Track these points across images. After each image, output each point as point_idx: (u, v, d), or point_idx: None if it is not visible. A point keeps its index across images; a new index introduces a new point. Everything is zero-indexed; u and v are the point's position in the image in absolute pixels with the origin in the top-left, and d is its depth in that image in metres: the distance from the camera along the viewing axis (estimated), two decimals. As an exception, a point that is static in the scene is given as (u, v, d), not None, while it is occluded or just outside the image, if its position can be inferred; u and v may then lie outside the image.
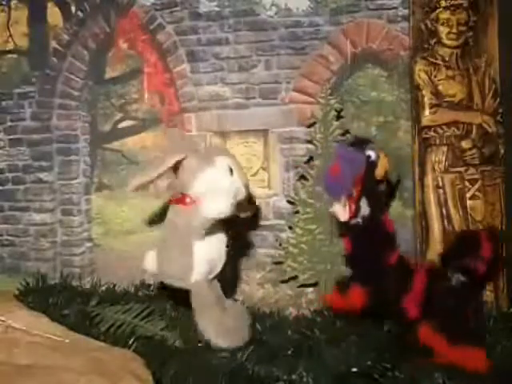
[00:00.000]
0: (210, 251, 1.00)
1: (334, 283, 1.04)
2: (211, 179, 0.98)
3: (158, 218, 1.23)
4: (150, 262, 1.03)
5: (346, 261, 1.08)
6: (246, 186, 1.02)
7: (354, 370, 0.88)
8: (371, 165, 0.95)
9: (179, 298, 1.04)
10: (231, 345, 0.96)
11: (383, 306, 0.96)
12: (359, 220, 0.97)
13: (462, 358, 0.90)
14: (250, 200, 1.09)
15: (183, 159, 0.99)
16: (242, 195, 1.00)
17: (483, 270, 0.94)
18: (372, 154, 0.96)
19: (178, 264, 0.99)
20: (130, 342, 0.97)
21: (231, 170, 0.99)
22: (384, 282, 0.95)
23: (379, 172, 0.96)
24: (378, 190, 0.98)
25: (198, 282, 0.99)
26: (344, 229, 1.07)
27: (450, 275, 0.95)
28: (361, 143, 0.97)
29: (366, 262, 0.97)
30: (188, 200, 0.99)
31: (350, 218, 0.95)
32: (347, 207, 0.94)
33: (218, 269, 1.02)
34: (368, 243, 0.98)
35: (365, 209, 0.96)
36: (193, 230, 0.98)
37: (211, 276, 1.02)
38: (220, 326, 0.97)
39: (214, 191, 0.97)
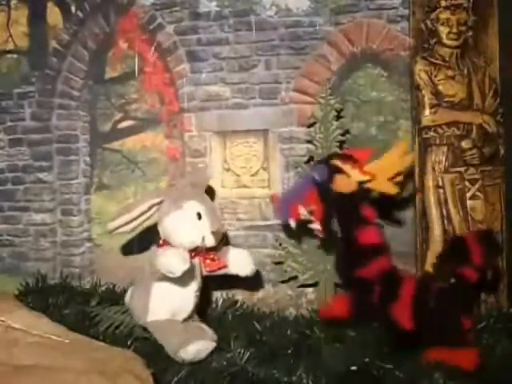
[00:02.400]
0: (171, 294, 0.99)
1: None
2: (176, 220, 0.99)
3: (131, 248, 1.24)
4: (128, 297, 1.06)
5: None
6: (218, 233, 1.00)
7: (354, 368, 0.88)
8: (320, 185, 0.98)
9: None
10: (199, 345, 0.93)
11: (368, 316, 0.96)
12: (338, 234, 0.99)
13: (456, 359, 0.89)
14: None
15: (159, 203, 1.01)
16: (210, 243, 1.00)
17: (475, 277, 0.92)
18: (315, 174, 0.99)
19: (137, 303, 1.01)
20: (129, 343, 0.97)
21: (199, 216, 0.99)
22: (363, 293, 0.95)
23: (339, 188, 0.97)
24: (347, 205, 0.97)
25: (152, 322, 0.98)
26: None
27: (439, 284, 0.95)
28: (311, 167, 1.02)
29: (344, 273, 1.00)
30: (160, 242, 1.02)
31: (323, 234, 1.01)
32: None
33: (185, 313, 1.01)
34: (343, 256, 1.00)
35: (336, 224, 0.99)
36: (152, 273, 0.98)
37: (180, 318, 1.00)
38: (184, 334, 0.95)
39: (179, 230, 0.99)
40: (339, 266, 1.02)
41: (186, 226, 0.99)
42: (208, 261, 1.01)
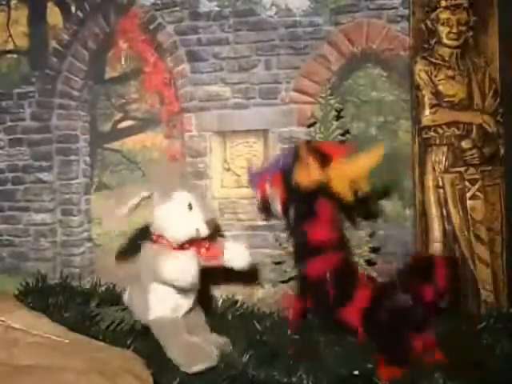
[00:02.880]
0: (170, 291, 0.98)
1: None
2: (168, 212, 0.99)
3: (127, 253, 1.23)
4: (126, 297, 1.05)
5: None
6: (210, 222, 1.00)
7: (356, 372, 0.88)
8: (282, 170, 0.98)
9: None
10: (202, 367, 0.92)
11: (319, 311, 0.96)
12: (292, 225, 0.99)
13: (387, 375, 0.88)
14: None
15: (150, 196, 1.00)
16: (203, 232, 0.99)
17: (430, 298, 0.90)
18: (281, 159, 0.99)
19: (138, 302, 1.01)
20: (129, 343, 0.97)
21: (190, 206, 0.99)
22: (314, 292, 0.95)
23: (299, 179, 0.96)
24: (305, 198, 0.96)
25: (156, 320, 0.98)
26: None
27: (398, 295, 0.93)
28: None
29: (297, 267, 1.00)
30: (153, 237, 1.01)
31: (281, 215, 1.00)
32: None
33: (184, 308, 1.00)
34: (295, 250, 1.00)
35: (292, 214, 0.98)
36: (149, 272, 0.98)
37: (179, 314, 1.00)
38: (188, 353, 0.94)
39: (171, 223, 0.98)
40: (294, 260, 1.02)
41: (179, 218, 0.98)
42: (203, 250, 1.00)
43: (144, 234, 1.04)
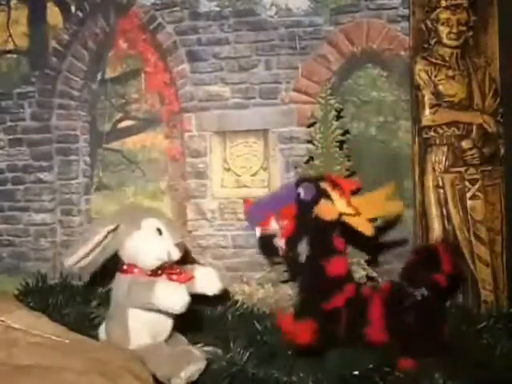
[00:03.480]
0: (148, 318, 0.96)
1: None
2: (138, 240, 0.97)
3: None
4: (103, 333, 1.02)
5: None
6: (181, 244, 0.98)
7: (356, 373, 0.88)
8: (303, 203, 0.94)
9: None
10: (191, 370, 0.91)
11: (333, 345, 0.94)
12: (302, 257, 0.96)
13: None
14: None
15: (115, 229, 0.98)
16: (175, 255, 0.97)
17: (445, 283, 0.92)
18: (302, 191, 0.94)
19: (116, 334, 0.98)
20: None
21: (160, 231, 0.98)
22: (328, 325, 0.92)
23: (322, 213, 0.94)
24: (323, 232, 0.95)
25: (138, 350, 0.94)
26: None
27: (412, 291, 0.94)
28: (297, 182, 0.97)
29: (310, 300, 0.96)
30: (124, 267, 0.99)
31: (285, 251, 0.96)
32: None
33: (164, 334, 0.98)
34: (308, 283, 0.97)
35: (305, 247, 0.95)
36: (126, 299, 0.96)
37: (160, 339, 0.98)
38: (174, 360, 0.93)
39: (143, 250, 0.96)
40: (305, 295, 0.98)
41: (150, 244, 0.97)
42: (175, 276, 0.98)
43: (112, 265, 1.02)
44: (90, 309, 1.09)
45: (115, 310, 0.99)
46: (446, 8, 1.16)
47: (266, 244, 1.03)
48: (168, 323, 0.98)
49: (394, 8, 1.22)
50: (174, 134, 1.30)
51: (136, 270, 0.98)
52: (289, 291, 1.21)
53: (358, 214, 0.94)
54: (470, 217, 1.15)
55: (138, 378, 0.78)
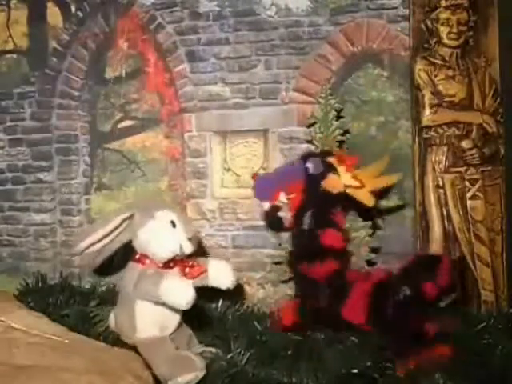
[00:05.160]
0: (156, 311, 0.96)
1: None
2: (151, 231, 0.97)
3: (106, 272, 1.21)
4: (112, 320, 1.02)
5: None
6: (194, 238, 0.98)
7: (355, 371, 0.88)
8: (311, 177, 0.97)
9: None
10: (189, 377, 0.90)
11: (316, 319, 0.95)
12: (304, 229, 0.98)
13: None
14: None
15: (130, 217, 0.98)
16: (188, 249, 0.97)
17: (434, 294, 0.91)
18: (310, 166, 0.98)
19: (124, 323, 0.98)
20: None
21: (173, 224, 0.97)
22: (308, 296, 0.95)
23: (329, 187, 0.97)
24: (328, 205, 0.97)
25: (143, 341, 0.95)
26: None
27: (399, 289, 0.93)
28: (304, 157, 1.00)
29: (298, 272, 0.98)
30: (137, 256, 0.99)
31: (291, 226, 0.99)
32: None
33: (171, 327, 0.98)
34: (301, 249, 0.99)
35: (308, 219, 0.97)
36: (135, 289, 0.96)
37: (166, 333, 0.97)
38: (175, 364, 0.92)
39: (155, 241, 0.96)
40: (294, 259, 1.01)
41: (163, 236, 0.96)
42: (187, 269, 0.97)
43: (125, 254, 1.02)
44: (90, 309, 1.09)
45: (124, 299, 0.99)
46: (446, 8, 1.16)
47: (272, 218, 1.05)
48: (176, 317, 0.98)
49: (394, 8, 1.22)
50: (174, 134, 1.30)
51: (148, 261, 0.97)
52: (289, 291, 1.21)
53: (362, 186, 0.97)
54: (470, 217, 1.15)
55: (138, 377, 0.78)
